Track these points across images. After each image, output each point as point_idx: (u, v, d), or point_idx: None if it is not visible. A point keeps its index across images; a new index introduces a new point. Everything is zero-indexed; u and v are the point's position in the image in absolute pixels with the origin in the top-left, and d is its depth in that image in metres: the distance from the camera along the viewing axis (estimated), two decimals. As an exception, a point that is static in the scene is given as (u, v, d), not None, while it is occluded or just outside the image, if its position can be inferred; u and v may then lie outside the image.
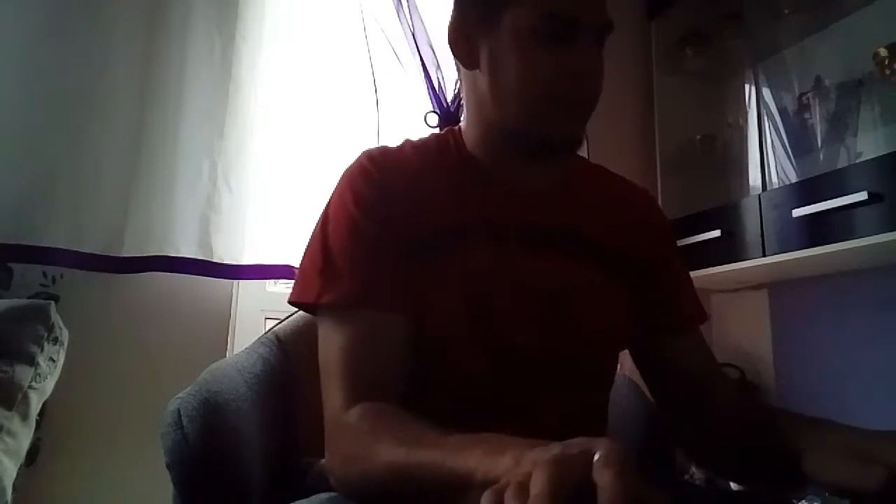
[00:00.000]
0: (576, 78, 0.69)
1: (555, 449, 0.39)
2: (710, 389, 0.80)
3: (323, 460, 0.68)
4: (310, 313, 0.75)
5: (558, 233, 0.76)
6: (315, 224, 0.75)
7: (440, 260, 0.71)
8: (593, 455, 0.37)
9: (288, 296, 0.74)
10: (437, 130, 1.68)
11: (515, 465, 0.40)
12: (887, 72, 1.46)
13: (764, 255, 1.54)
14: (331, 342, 0.68)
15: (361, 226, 0.71)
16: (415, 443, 0.53)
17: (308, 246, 0.74)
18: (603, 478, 0.36)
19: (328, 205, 0.75)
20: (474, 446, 0.46)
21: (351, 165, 0.77)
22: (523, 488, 0.37)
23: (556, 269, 0.74)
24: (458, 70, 0.81)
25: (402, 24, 1.66)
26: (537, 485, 0.36)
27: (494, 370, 0.70)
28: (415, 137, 0.82)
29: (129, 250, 1.41)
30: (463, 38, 0.76)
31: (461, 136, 0.80)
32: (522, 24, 0.69)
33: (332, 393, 0.66)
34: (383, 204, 0.72)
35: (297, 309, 0.82)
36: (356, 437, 0.60)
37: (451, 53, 0.77)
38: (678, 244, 0.92)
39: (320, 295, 0.69)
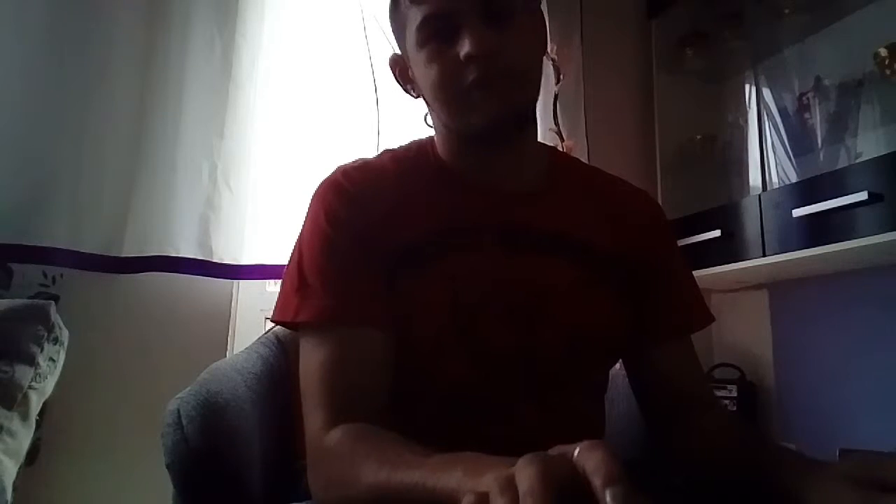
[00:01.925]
0: (471, 62, 0.68)
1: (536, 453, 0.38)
2: (697, 410, 0.77)
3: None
4: (292, 330, 0.75)
5: (541, 235, 0.75)
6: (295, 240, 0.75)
7: (422, 266, 0.71)
8: (572, 455, 0.37)
9: None
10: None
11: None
12: (887, 72, 1.46)
13: (764, 255, 1.54)
14: (309, 361, 0.68)
15: (334, 242, 0.71)
16: (395, 465, 0.52)
17: (288, 263, 0.74)
18: (592, 459, 0.35)
19: (304, 222, 0.76)
20: (455, 466, 0.46)
21: (323, 181, 0.77)
22: (509, 485, 0.36)
23: (539, 270, 0.73)
24: None
25: (402, 24, 1.66)
26: (525, 480, 0.35)
27: (479, 374, 0.70)
28: (396, 146, 0.83)
29: (129, 250, 1.41)
30: (399, 70, 0.80)
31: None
32: (414, 37, 0.72)
33: (312, 415, 0.65)
34: (357, 217, 0.72)
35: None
36: (336, 462, 0.60)
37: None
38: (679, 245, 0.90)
39: (297, 313, 0.69)
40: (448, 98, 0.72)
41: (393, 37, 0.80)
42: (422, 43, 0.71)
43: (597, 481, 0.34)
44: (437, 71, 0.70)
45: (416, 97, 0.80)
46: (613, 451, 0.36)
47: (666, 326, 0.80)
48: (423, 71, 0.72)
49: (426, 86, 0.73)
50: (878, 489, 0.48)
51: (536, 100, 0.78)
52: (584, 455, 0.36)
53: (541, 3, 0.79)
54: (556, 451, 0.39)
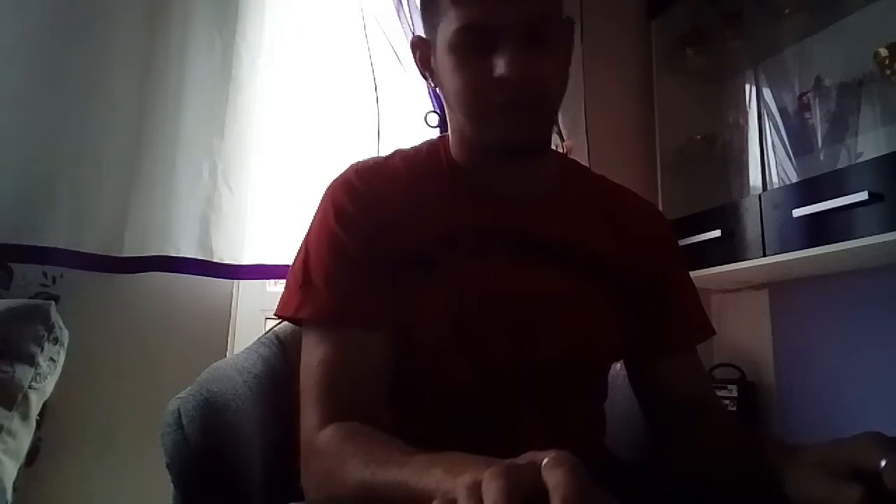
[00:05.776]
0: (503, 83, 0.67)
1: (505, 462, 0.39)
2: (700, 415, 0.77)
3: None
4: (295, 325, 0.76)
5: (548, 243, 0.75)
6: (303, 237, 0.76)
7: (428, 270, 0.71)
8: (541, 464, 0.37)
9: None
10: (437, 130, 1.69)
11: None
12: (888, 72, 1.46)
13: (764, 255, 1.54)
14: (309, 359, 0.68)
15: (342, 241, 0.71)
16: (380, 463, 0.53)
17: (294, 259, 0.75)
18: (553, 477, 0.36)
19: (313, 218, 0.76)
20: (435, 466, 0.46)
21: (336, 179, 0.77)
22: (475, 495, 0.37)
23: (543, 280, 0.73)
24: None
25: (402, 24, 1.66)
26: (490, 492, 0.36)
27: (480, 380, 0.70)
28: (408, 146, 0.83)
29: (129, 250, 1.41)
30: (421, 54, 0.78)
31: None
32: (447, 39, 0.70)
33: (308, 412, 0.66)
34: (366, 218, 0.72)
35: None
36: (325, 460, 0.60)
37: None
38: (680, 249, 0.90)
39: (298, 309, 0.69)
40: (472, 111, 0.71)
41: (422, 23, 0.79)
42: (454, 48, 0.69)
43: (555, 500, 0.35)
44: (466, 82, 0.69)
45: (432, 86, 0.79)
46: (577, 469, 0.36)
47: (669, 339, 0.80)
48: (449, 75, 0.71)
49: (451, 90, 0.72)
50: (849, 475, 0.48)
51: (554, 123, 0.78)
52: (548, 471, 0.37)
53: (573, 35, 0.77)
54: (526, 457, 0.39)
